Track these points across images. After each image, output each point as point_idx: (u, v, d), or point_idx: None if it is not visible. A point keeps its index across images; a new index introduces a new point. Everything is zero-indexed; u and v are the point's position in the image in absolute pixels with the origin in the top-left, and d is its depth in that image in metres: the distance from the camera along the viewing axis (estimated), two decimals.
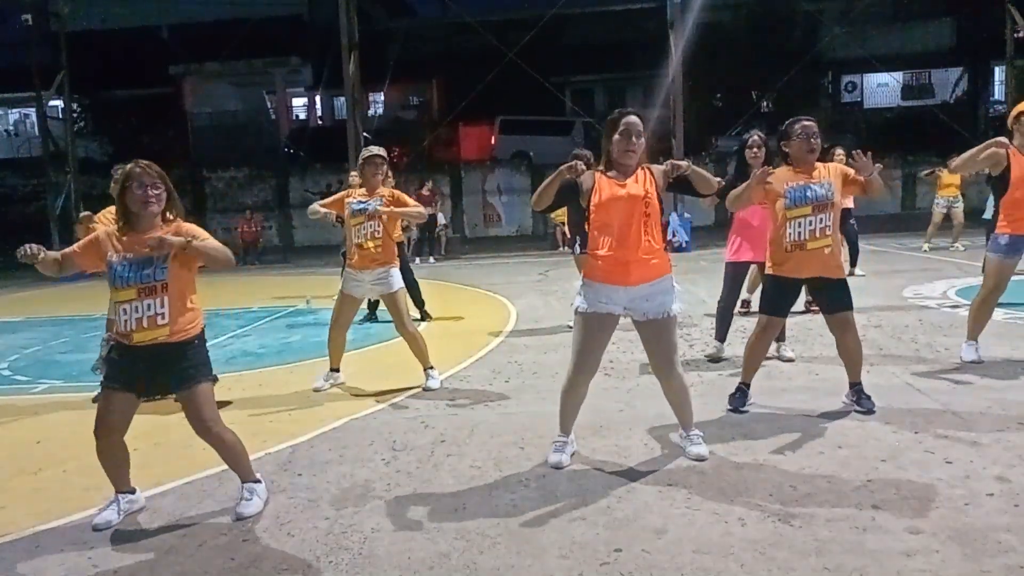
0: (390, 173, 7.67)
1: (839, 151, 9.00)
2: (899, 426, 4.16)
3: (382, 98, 28.07)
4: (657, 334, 3.74)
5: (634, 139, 3.65)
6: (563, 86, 24.42)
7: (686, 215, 16.47)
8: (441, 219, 19.78)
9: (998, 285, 5.29)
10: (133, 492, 3.58)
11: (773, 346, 5.88)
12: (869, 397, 4.50)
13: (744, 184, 4.35)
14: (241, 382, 6.10)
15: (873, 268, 11.37)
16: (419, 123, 25.79)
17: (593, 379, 3.90)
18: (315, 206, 5.68)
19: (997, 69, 23.68)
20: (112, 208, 5.55)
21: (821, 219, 4.30)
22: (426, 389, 5.49)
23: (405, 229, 8.70)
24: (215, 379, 3.59)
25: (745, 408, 4.59)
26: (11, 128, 30.21)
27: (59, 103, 22.73)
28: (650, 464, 3.81)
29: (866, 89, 26.79)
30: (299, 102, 29.66)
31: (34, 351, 7.98)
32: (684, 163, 3.64)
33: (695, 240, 16.40)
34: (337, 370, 5.77)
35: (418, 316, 8.24)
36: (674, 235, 16.60)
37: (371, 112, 27.15)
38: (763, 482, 3.51)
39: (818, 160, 4.41)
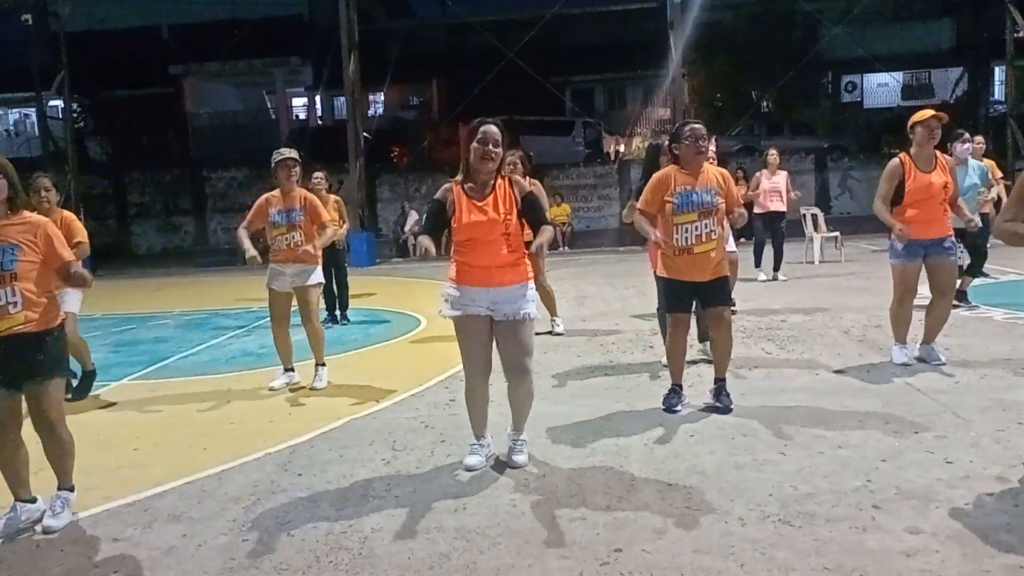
0: (320, 175, 7.98)
1: (772, 152, 9.05)
2: (899, 426, 4.16)
3: (382, 98, 28.07)
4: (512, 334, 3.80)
5: (491, 147, 3.65)
6: (563, 86, 24.41)
7: None
8: None
9: (908, 288, 5.42)
10: (34, 501, 3.49)
11: (702, 346, 5.90)
12: (728, 395, 4.61)
13: (640, 221, 4.56)
14: (241, 382, 6.10)
15: (873, 268, 11.37)
16: (419, 123, 25.78)
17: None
18: (243, 238, 5.64)
19: (997, 69, 23.66)
20: None
21: (707, 224, 4.42)
22: (312, 388, 5.63)
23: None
24: (72, 374, 3.47)
25: (678, 408, 4.64)
26: (11, 128, 30.19)
27: (59, 103, 22.73)
28: (650, 464, 3.81)
29: (866, 89, 26.77)
30: (299, 102, 29.65)
31: None
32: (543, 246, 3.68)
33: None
34: (291, 370, 5.85)
35: (327, 317, 8.43)
36: None
37: (371, 112, 27.15)
38: (763, 482, 3.51)
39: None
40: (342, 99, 20.33)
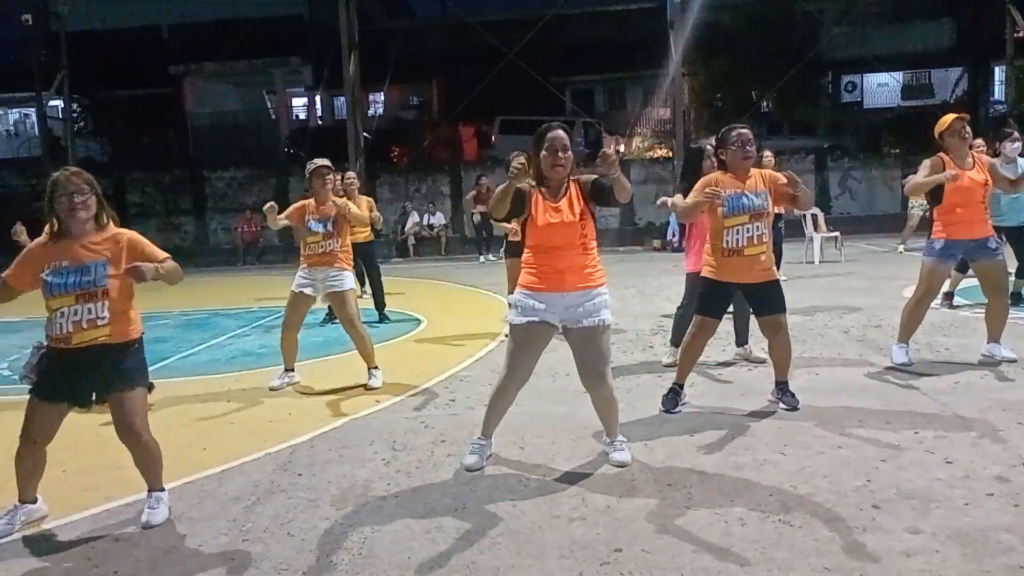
0: (353, 175, 7.85)
1: (768, 154, 9.05)
2: (899, 426, 4.16)
3: (382, 98, 28.06)
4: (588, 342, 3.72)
5: (560, 154, 3.62)
6: (563, 86, 24.41)
7: None
8: (441, 219, 19.79)
9: (931, 288, 5.39)
10: (35, 502, 3.52)
11: (740, 350, 5.92)
12: (793, 394, 4.60)
13: (693, 200, 4.48)
14: (241, 382, 6.09)
15: (873, 268, 11.38)
16: (419, 123, 25.78)
17: None
18: (273, 215, 5.69)
19: (997, 69, 23.68)
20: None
21: (757, 227, 4.41)
22: (368, 388, 5.57)
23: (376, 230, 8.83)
24: (151, 386, 3.51)
25: (678, 409, 4.63)
26: (11, 128, 30.19)
27: (59, 103, 22.75)
28: (650, 464, 3.81)
29: (866, 89, 26.77)
30: (299, 102, 29.65)
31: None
32: (612, 154, 3.50)
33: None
34: (292, 370, 5.85)
35: (377, 319, 8.43)
36: (674, 235, 16.58)
37: (371, 112, 27.15)
38: (763, 482, 3.51)
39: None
40: (342, 99, 20.35)
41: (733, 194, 4.39)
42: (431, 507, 3.44)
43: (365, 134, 18.79)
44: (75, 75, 20.56)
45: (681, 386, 4.73)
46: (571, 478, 3.70)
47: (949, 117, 5.27)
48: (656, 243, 17.16)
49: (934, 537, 2.91)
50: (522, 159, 3.48)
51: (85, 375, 3.35)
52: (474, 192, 13.84)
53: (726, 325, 6.50)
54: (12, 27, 20.70)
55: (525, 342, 3.73)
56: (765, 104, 23.63)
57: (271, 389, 5.68)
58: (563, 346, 6.67)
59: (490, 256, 15.02)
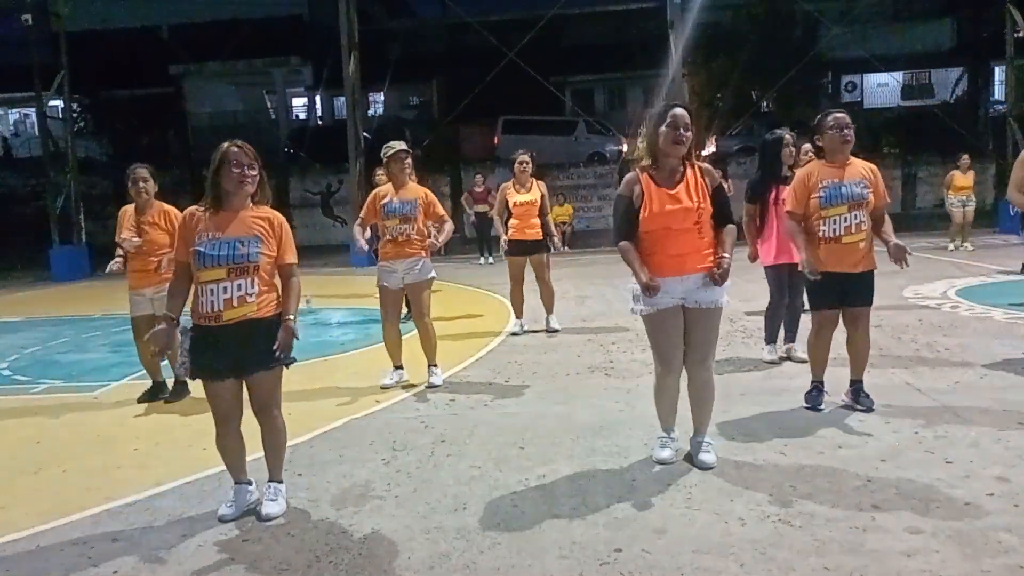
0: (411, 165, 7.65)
1: (807, 147, 9.02)
2: (899, 426, 4.16)
3: (382, 98, 28.05)
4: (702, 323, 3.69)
5: (682, 131, 3.55)
6: (563, 86, 24.39)
7: None
8: None
9: None
10: (250, 483, 3.55)
11: (783, 347, 5.82)
12: (868, 395, 4.50)
13: (806, 252, 4.35)
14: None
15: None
16: (419, 123, 25.76)
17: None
18: (357, 237, 5.75)
19: (997, 69, 23.64)
20: (128, 207, 5.57)
21: (856, 215, 4.29)
22: (430, 386, 5.52)
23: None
24: (292, 360, 3.48)
25: (822, 406, 4.54)
26: (11, 128, 30.19)
27: (59, 103, 22.71)
28: (650, 464, 3.81)
29: (866, 89, 26.76)
30: (299, 102, 29.65)
31: (34, 351, 7.97)
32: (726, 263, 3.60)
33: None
34: (400, 367, 5.75)
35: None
36: None
37: (371, 112, 27.14)
38: (763, 482, 3.51)
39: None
40: (342, 99, 20.32)
41: (832, 183, 4.30)
42: (431, 507, 3.44)
43: (365, 134, 18.76)
44: (75, 75, 20.50)
45: (821, 383, 4.61)
46: (571, 478, 3.70)
47: None
48: None
49: (934, 537, 2.91)
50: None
51: (232, 351, 3.31)
52: (467, 194, 13.77)
53: (725, 325, 6.53)
54: (12, 27, 20.68)
55: (660, 329, 3.70)
56: (765, 104, 23.60)
57: (382, 388, 5.56)
58: (562, 347, 6.72)
59: (490, 257, 14.99)
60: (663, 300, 3.62)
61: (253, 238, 3.32)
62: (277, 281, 3.44)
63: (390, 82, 24.36)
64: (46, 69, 19.60)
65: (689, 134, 3.56)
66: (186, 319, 3.41)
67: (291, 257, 3.45)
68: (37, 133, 23.24)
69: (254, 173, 3.34)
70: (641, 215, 3.60)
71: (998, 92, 23.62)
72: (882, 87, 25.64)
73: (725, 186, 3.95)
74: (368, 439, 4.45)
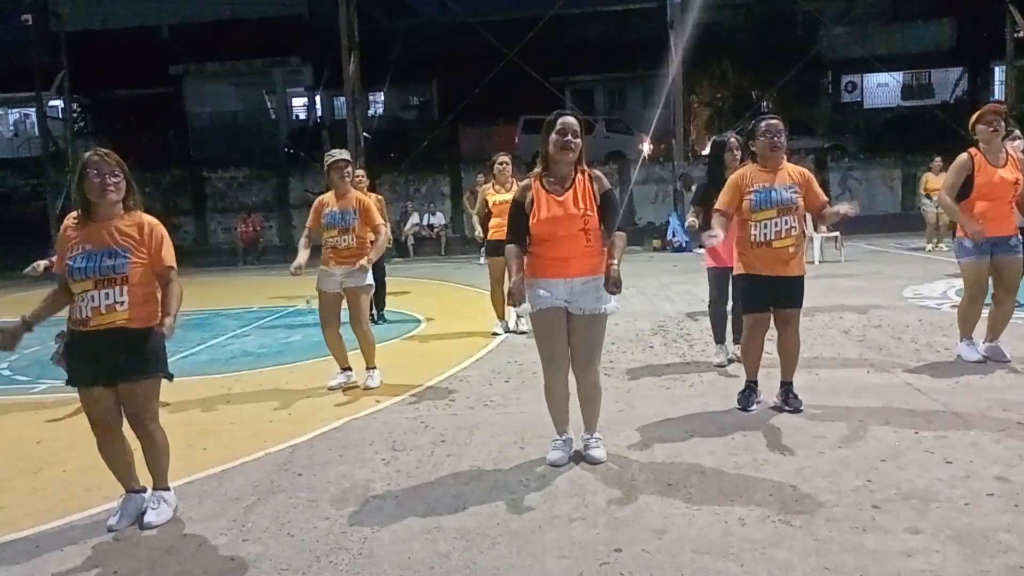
0: (361, 174, 7.61)
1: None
2: (899, 426, 4.16)
3: (382, 98, 28.05)
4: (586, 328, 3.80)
5: (571, 137, 3.66)
6: (563, 86, 24.39)
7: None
8: (441, 219, 19.78)
9: (982, 287, 5.38)
10: (143, 491, 3.52)
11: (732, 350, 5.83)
12: (797, 396, 4.56)
13: (717, 224, 4.43)
14: (241, 382, 6.10)
15: (873, 268, 11.37)
16: (419, 123, 25.75)
17: None
18: (300, 256, 5.63)
19: (997, 69, 23.65)
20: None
21: (786, 221, 4.38)
22: (366, 388, 5.58)
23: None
24: (169, 377, 3.47)
25: (752, 408, 4.59)
26: (11, 128, 30.18)
27: (59, 103, 22.73)
28: (650, 464, 3.81)
29: (866, 89, 26.76)
30: (299, 102, 29.64)
31: (34, 351, 7.96)
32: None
33: (695, 240, 16.42)
34: (349, 369, 5.79)
35: (374, 317, 8.30)
36: (674, 235, 16.61)
37: (371, 112, 27.14)
38: (763, 482, 3.51)
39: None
40: (342, 99, 20.34)
41: (762, 188, 4.38)
42: (431, 507, 3.44)
43: (365, 134, 18.77)
44: (75, 75, 20.54)
45: (755, 383, 4.67)
46: (571, 478, 3.70)
47: (987, 107, 5.26)
48: (656, 243, 17.16)
49: (934, 537, 2.91)
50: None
51: (101, 358, 3.30)
52: (468, 193, 13.78)
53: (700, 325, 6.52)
54: (12, 27, 20.69)
55: (544, 328, 3.82)
56: (765, 104, 23.60)
57: (329, 389, 5.61)
58: None
59: None
60: (546, 300, 3.75)
61: (120, 249, 3.29)
62: (156, 294, 3.41)
63: (390, 82, 24.35)
64: (46, 69, 19.62)
65: (578, 141, 3.68)
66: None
67: (167, 261, 3.41)
68: (37, 133, 23.27)
69: (117, 180, 3.30)
70: (531, 220, 3.72)
71: (998, 92, 23.63)
72: (882, 87, 25.64)
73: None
74: (368, 439, 4.45)
